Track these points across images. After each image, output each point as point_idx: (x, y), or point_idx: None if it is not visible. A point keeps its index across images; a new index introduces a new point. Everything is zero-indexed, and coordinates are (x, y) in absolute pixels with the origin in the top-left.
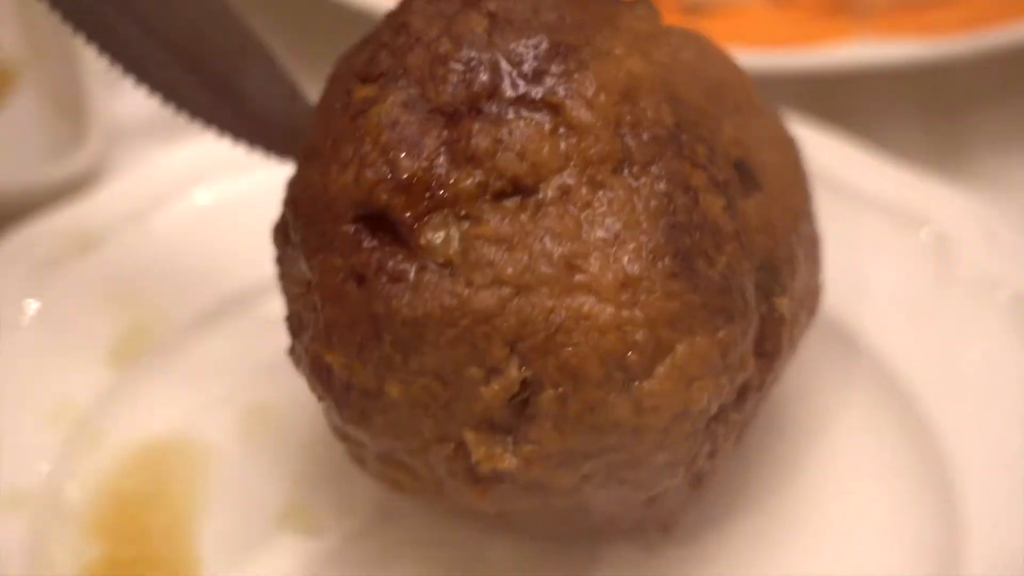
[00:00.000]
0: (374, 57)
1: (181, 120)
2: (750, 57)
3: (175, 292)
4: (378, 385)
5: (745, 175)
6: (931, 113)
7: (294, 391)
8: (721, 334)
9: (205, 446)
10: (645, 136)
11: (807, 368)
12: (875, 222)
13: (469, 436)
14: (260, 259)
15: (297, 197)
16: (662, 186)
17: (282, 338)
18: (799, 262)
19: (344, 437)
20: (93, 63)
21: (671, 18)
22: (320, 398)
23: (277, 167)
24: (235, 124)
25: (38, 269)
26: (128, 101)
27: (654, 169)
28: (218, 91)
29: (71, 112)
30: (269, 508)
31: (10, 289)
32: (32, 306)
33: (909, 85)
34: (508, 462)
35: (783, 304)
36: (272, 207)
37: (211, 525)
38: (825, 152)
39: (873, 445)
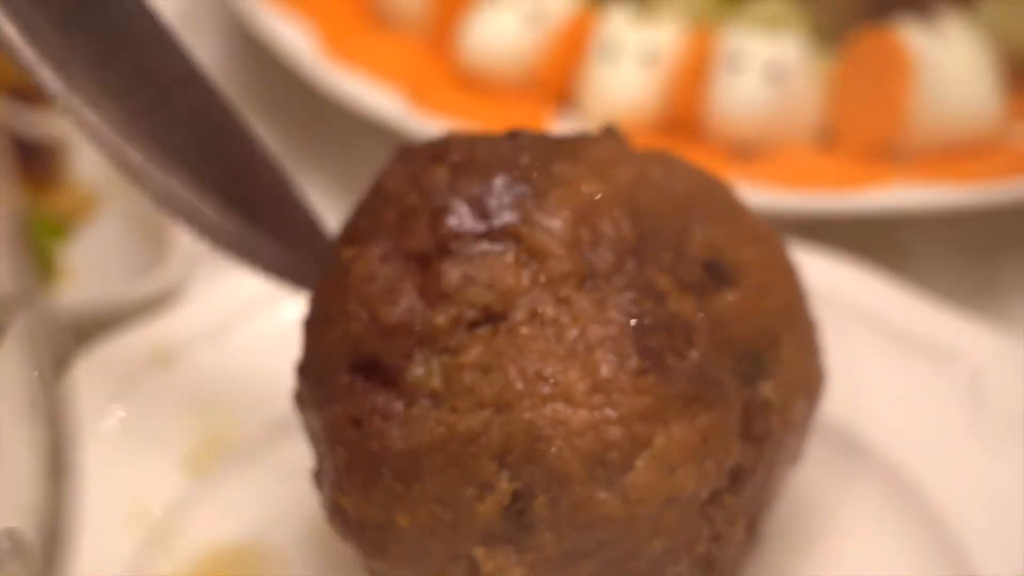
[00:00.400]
0: (356, 222)
1: None
2: (795, 199)
3: (250, 404)
4: (388, 517)
5: (717, 273)
6: (967, 257)
7: None
8: (699, 421)
9: (277, 553)
10: (605, 251)
11: (840, 492)
12: (909, 357)
13: (477, 552)
14: None
15: (303, 363)
16: (627, 294)
17: None
18: (786, 349)
19: (374, 574)
20: None
21: (718, 162)
22: (345, 540)
23: None
24: (264, 259)
25: (120, 380)
26: None
27: (616, 279)
28: (249, 229)
29: (153, 233)
30: None
31: (94, 398)
32: (114, 414)
33: (947, 229)
34: (515, 572)
35: (768, 389)
36: None
37: None
38: (863, 289)
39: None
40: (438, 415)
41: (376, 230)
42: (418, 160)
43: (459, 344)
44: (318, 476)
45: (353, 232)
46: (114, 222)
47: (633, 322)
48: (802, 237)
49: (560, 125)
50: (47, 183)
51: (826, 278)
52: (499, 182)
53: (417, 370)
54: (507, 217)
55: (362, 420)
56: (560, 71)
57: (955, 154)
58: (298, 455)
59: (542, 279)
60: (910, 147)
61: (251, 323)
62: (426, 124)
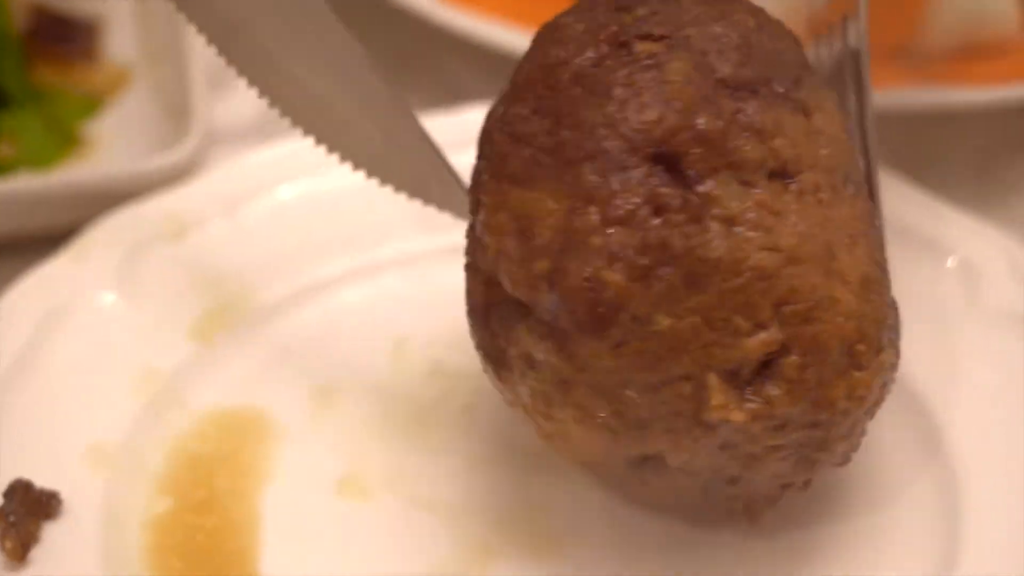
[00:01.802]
0: (647, 21)
1: (272, 126)
2: None
3: (257, 278)
4: (649, 313)
5: None
6: (981, 160)
7: (359, 376)
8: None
9: (274, 419)
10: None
11: None
12: (905, 249)
13: (713, 381)
14: (337, 253)
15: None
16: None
17: (352, 327)
18: None
19: (564, 353)
20: (200, 69)
21: None
22: (586, 315)
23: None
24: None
25: (133, 249)
26: (227, 107)
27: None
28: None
29: (177, 111)
30: (327, 477)
31: (107, 265)
32: (127, 281)
33: (964, 130)
34: (736, 414)
35: None
36: (349, 207)
37: (274, 489)
38: None
39: (895, 461)
40: (739, 241)
41: (681, 41)
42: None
43: (758, 184)
44: (577, 234)
45: (647, 30)
46: (143, 99)
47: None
48: None
49: None
50: (83, 59)
51: None
52: (796, 58)
53: (720, 190)
54: (800, 93)
55: (667, 210)
56: None
57: (970, 54)
58: (301, 331)
59: (824, 161)
60: (927, 49)
61: (263, 199)
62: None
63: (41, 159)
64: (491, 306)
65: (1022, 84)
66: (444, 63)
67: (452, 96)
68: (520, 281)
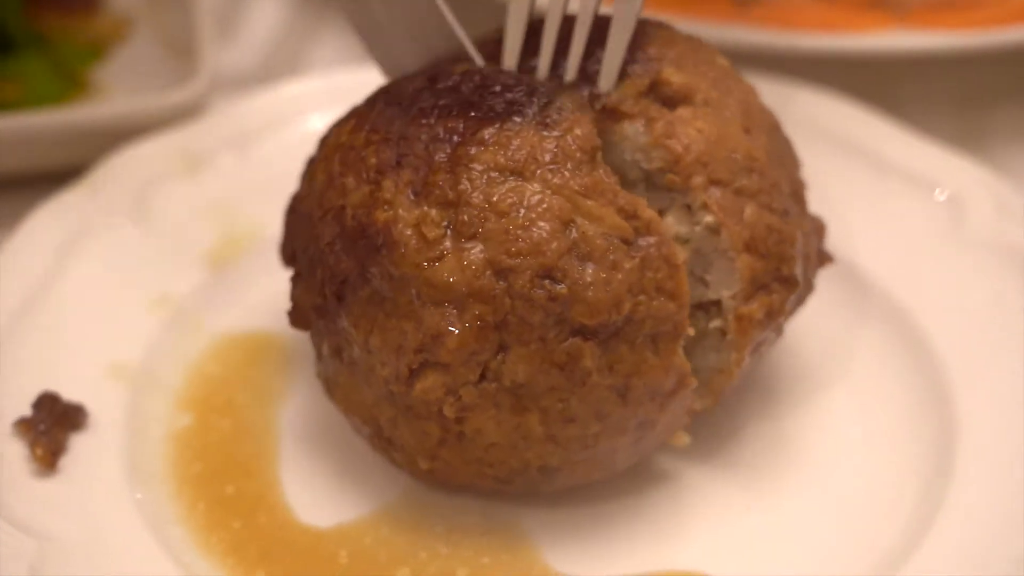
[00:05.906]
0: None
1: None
2: (796, 40)
3: (266, 210)
4: None
5: None
6: (960, 103)
7: None
8: None
9: (286, 342)
10: None
11: (827, 310)
12: (895, 184)
13: None
14: None
15: None
16: None
17: None
18: None
19: None
20: (206, 12)
21: (723, 10)
22: None
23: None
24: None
25: (147, 182)
26: (231, 53)
27: None
28: None
29: (182, 53)
30: None
31: (122, 196)
32: (141, 211)
33: (943, 76)
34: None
35: None
36: None
37: (289, 405)
38: (855, 123)
39: (884, 374)
40: None
41: None
42: None
43: None
44: None
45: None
46: (146, 44)
47: None
48: (800, 79)
49: None
50: (86, 8)
51: (817, 112)
52: None
53: None
54: None
55: None
56: None
57: (949, 3)
58: None
59: None
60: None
61: (272, 135)
62: None
63: (48, 101)
64: None
65: (997, 32)
66: None
67: None
68: None
